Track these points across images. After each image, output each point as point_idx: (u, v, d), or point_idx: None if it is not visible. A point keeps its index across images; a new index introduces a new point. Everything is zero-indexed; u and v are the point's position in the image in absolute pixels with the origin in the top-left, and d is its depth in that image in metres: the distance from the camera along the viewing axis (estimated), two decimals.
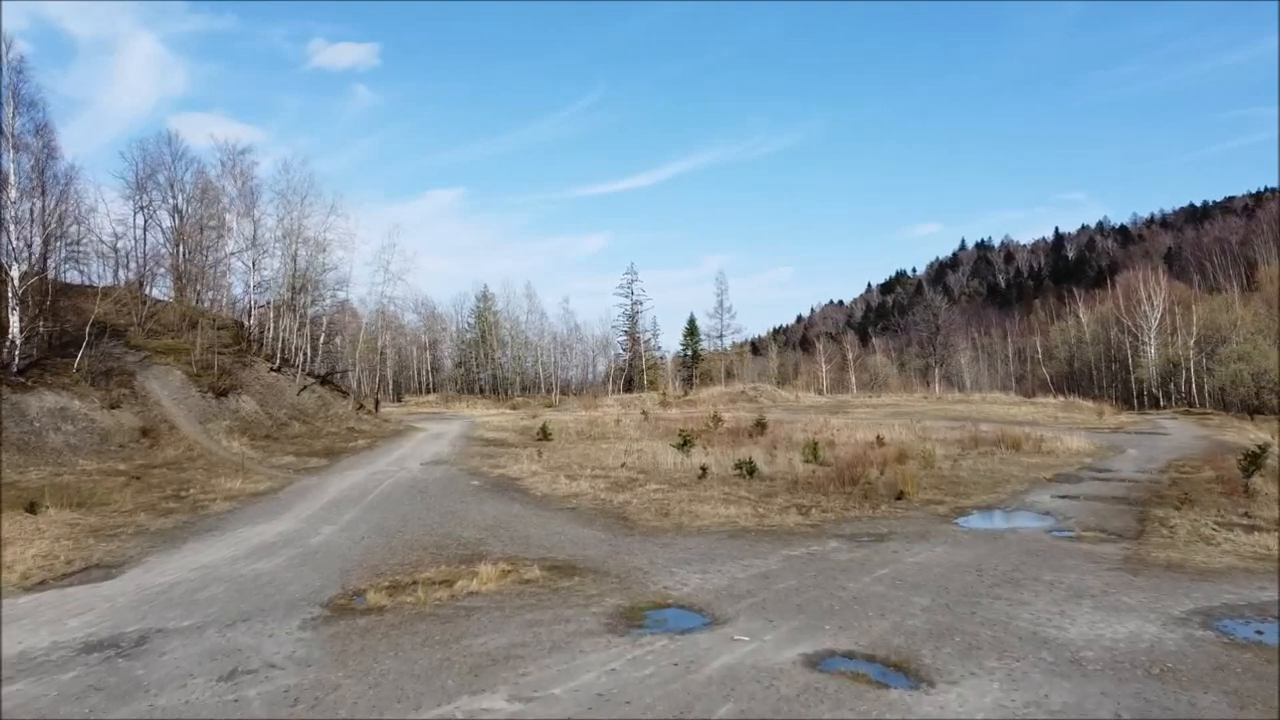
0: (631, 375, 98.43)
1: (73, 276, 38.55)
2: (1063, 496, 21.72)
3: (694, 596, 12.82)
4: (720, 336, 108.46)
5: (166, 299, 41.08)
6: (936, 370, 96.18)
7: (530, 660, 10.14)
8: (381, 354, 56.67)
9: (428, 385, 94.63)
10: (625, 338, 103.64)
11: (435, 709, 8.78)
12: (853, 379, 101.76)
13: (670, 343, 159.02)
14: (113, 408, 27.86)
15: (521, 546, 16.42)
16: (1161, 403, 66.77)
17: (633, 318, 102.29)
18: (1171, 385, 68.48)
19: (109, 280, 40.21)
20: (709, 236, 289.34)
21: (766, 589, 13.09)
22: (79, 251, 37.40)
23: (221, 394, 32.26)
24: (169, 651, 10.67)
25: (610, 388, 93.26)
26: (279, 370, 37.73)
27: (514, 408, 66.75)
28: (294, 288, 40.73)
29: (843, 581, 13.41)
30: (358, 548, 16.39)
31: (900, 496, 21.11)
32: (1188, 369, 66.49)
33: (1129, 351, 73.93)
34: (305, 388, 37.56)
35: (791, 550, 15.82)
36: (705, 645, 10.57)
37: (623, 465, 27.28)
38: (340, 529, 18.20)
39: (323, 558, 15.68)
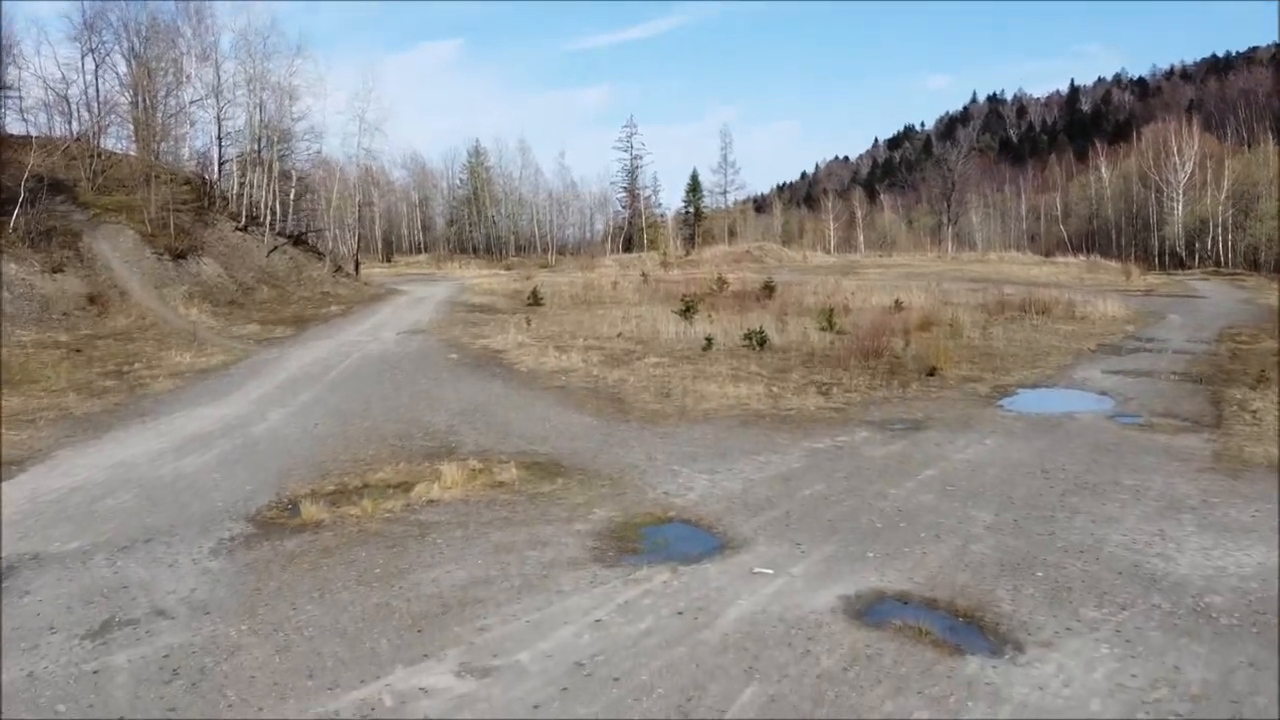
0: (631, 234, 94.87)
1: (17, 128, 35.09)
2: (1115, 372, 19.28)
3: (701, 507, 10.49)
4: (724, 193, 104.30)
5: (124, 152, 37.66)
6: (949, 228, 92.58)
7: (493, 607, 7.84)
8: (360, 211, 53.35)
9: (419, 245, 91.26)
10: (624, 195, 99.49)
11: (356, 690, 6.50)
12: (861, 238, 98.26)
13: (672, 199, 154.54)
14: (55, 272, 25.17)
15: (498, 437, 14.06)
16: (1187, 263, 63.84)
17: (632, 174, 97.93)
18: (1198, 245, 65.35)
19: (61, 133, 36.71)
20: (713, 90, 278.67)
21: (789, 497, 10.75)
22: (18, 98, 33.82)
23: (179, 256, 29.46)
24: (34, 590, 8.38)
25: (608, 248, 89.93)
26: (245, 230, 34.74)
27: (507, 269, 63.86)
28: (259, 139, 37.22)
29: (881, 487, 11.06)
30: (307, 439, 14.04)
31: (932, 373, 18.68)
32: (1216, 227, 63.22)
33: (1153, 209, 70.40)
34: (275, 249, 34.69)
35: (815, 442, 13.45)
36: (717, 583, 8.27)
37: (619, 335, 24.79)
38: (292, 414, 15.82)
39: (263, 452, 13.33)
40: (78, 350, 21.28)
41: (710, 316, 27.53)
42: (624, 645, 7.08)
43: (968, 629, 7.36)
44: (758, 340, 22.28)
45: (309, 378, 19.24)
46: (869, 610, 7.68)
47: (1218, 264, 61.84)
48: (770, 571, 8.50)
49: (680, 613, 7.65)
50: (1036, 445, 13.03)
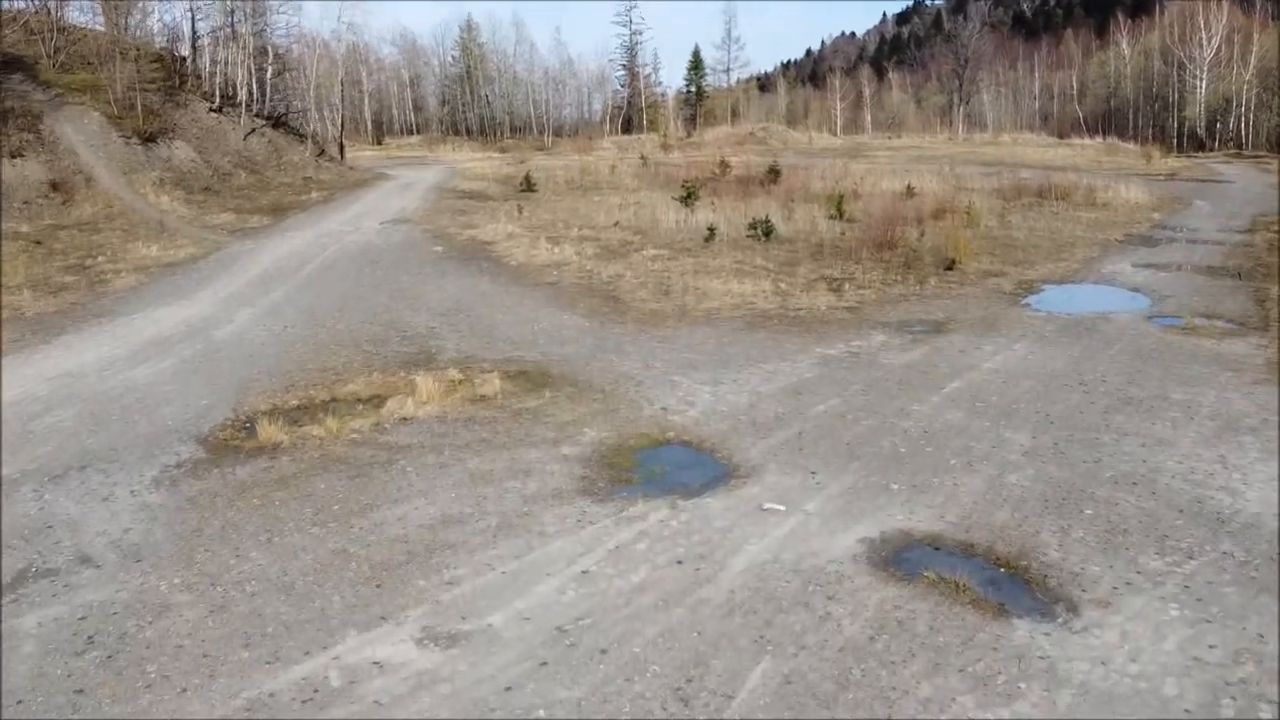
0: (630, 115, 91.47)
1: None
2: (1146, 265, 18.00)
3: (703, 426, 9.42)
4: (727, 71, 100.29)
5: (88, 26, 35.29)
6: (960, 109, 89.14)
7: (464, 553, 6.84)
8: (346, 91, 50.82)
9: (411, 127, 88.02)
10: (623, 73, 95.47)
11: (298, 664, 5.54)
12: (868, 118, 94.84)
13: (672, 78, 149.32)
14: (14, 157, 23.57)
15: (482, 341, 12.91)
16: (1207, 145, 61.41)
17: (631, 51, 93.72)
18: (1219, 126, 62.75)
19: (19, 4, 34.31)
20: None
21: (801, 414, 9.67)
22: None
23: (149, 139, 27.68)
24: None
25: (607, 129, 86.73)
26: (220, 111, 32.71)
27: (502, 151, 61.50)
28: (232, 10, 34.76)
29: (903, 402, 9.97)
30: (274, 344, 12.89)
31: (950, 266, 17.41)
32: (1239, 107, 60.55)
33: (1174, 88, 67.40)
34: (253, 132, 32.72)
35: (827, 348, 12.31)
36: (722, 521, 7.26)
37: (616, 224, 23.39)
38: (260, 315, 14.64)
39: (225, 359, 12.21)
40: (38, 242, 19.95)
41: (712, 203, 26.02)
42: (614, 605, 6.09)
43: (1011, 583, 6.36)
44: (763, 230, 20.91)
45: (283, 273, 17.97)
46: (896, 558, 6.68)
47: (1239, 146, 59.47)
48: (782, 508, 7.47)
49: (680, 562, 6.65)
50: (1071, 352, 11.89)
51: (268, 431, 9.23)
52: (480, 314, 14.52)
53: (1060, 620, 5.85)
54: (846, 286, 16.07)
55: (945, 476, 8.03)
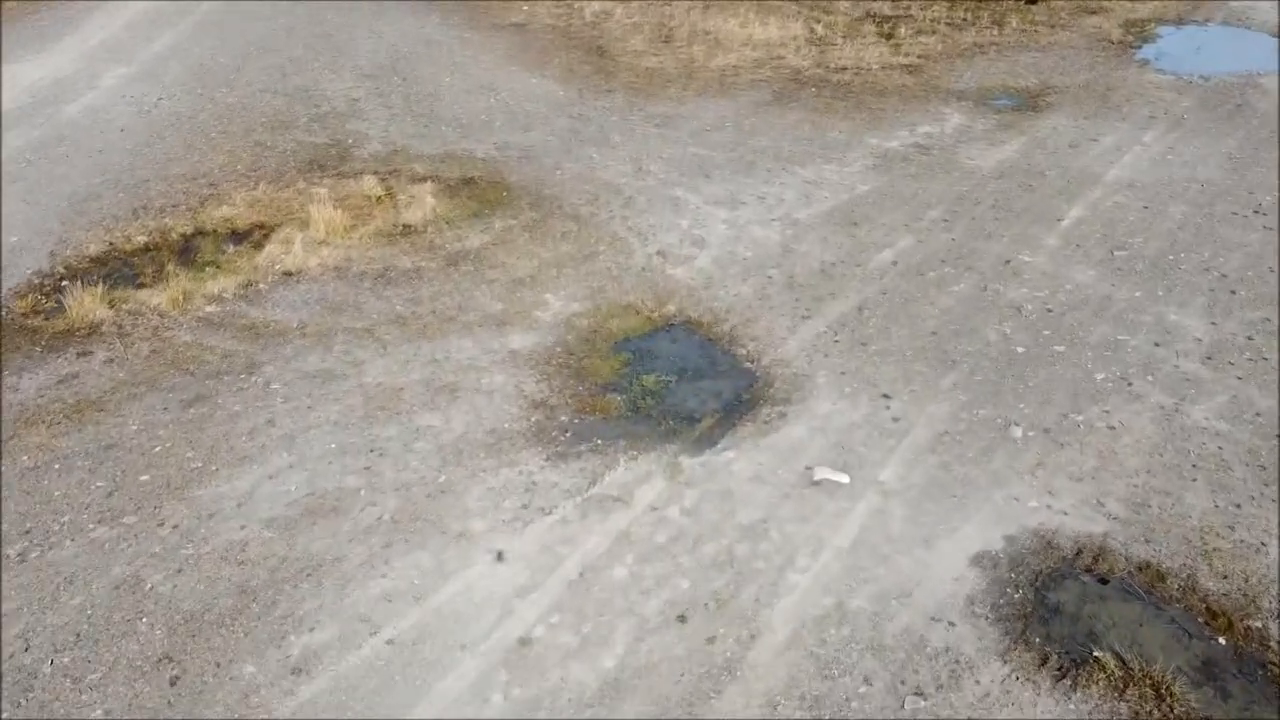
0: None
1: None
2: None
3: (718, 288, 6.49)
4: None
5: None
6: None
7: (330, 590, 4.22)
8: None
9: None
10: None
11: None
12: None
13: None
14: None
15: (418, 124, 9.58)
16: None
17: None
18: None
19: None
20: None
21: (860, 267, 6.70)
22: None
23: None
24: None
25: None
26: None
27: None
28: None
29: (1005, 245, 6.95)
30: (137, 130, 9.55)
31: None
32: None
33: None
34: None
35: (885, 137, 9.02)
36: (750, 512, 4.57)
37: None
38: (133, 78, 11.07)
39: (65, 156, 8.96)
40: None
41: None
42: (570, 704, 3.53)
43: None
44: None
45: (178, 9, 14.00)
46: (1042, 608, 4.04)
47: None
48: (844, 479, 4.75)
49: (682, 618, 4.02)
50: (1225, 145, 8.62)
51: (82, 305, 6.30)
52: (421, 76, 10.94)
53: None
54: (902, 30, 12.30)
55: (1092, 407, 5.22)
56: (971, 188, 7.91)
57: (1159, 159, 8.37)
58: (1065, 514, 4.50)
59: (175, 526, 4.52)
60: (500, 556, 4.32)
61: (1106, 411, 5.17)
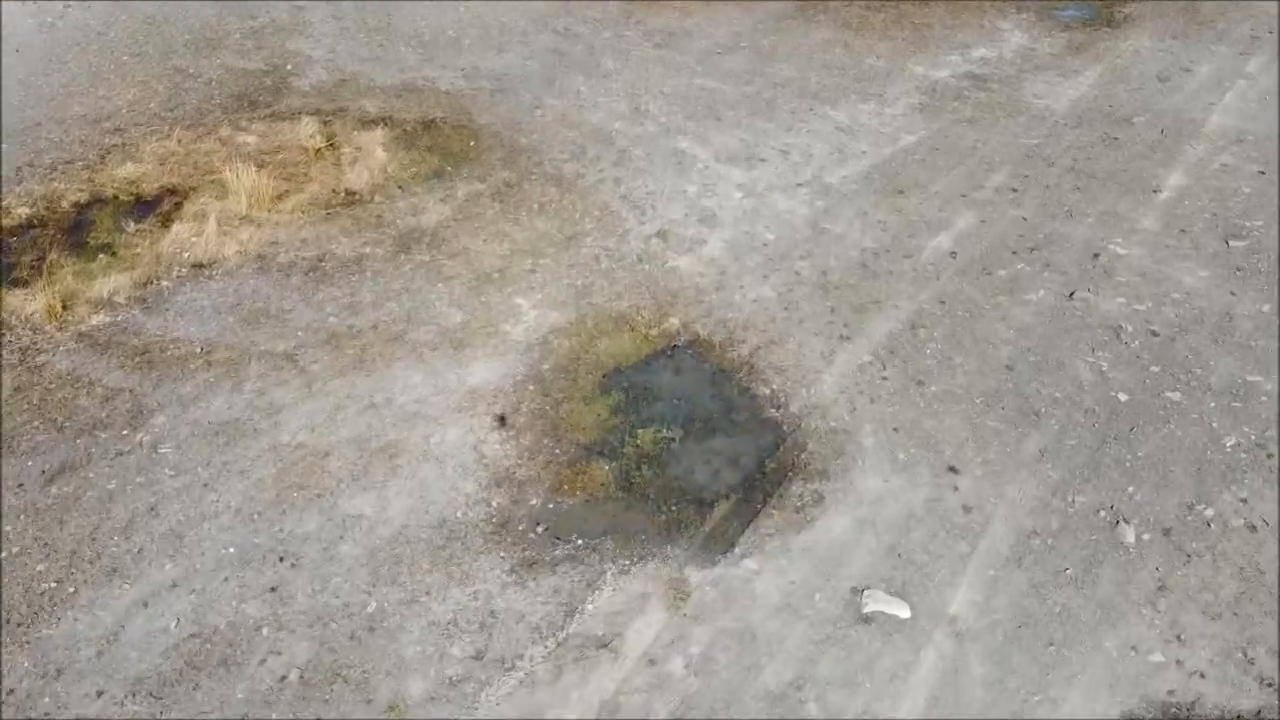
0: None
1: None
2: None
3: (733, 290, 5.20)
4: None
5: None
6: None
7: None
8: None
9: None
10: None
11: None
12: None
13: None
14: None
15: (374, 42, 8.03)
16: None
17: None
18: None
19: None
20: None
21: (910, 259, 5.37)
22: None
23: None
24: None
25: None
26: None
27: None
28: None
29: (1089, 226, 5.60)
30: (39, 46, 7.99)
31: None
32: None
33: None
34: None
35: (933, 64, 7.50)
36: (779, 669, 3.45)
37: None
38: None
39: None
40: None
41: None
42: None
43: None
44: None
45: None
46: None
47: None
48: (903, 613, 3.58)
49: None
50: None
51: None
52: None
53: None
54: None
55: (1224, 494, 4.00)
56: (1042, 140, 6.46)
57: (1268, 97, 6.87)
58: (1202, 676, 3.35)
59: (9, 694, 3.37)
60: None
61: (1243, 501, 3.96)
